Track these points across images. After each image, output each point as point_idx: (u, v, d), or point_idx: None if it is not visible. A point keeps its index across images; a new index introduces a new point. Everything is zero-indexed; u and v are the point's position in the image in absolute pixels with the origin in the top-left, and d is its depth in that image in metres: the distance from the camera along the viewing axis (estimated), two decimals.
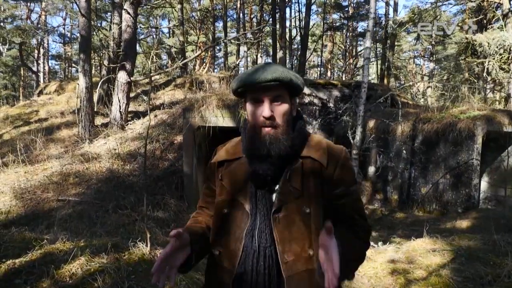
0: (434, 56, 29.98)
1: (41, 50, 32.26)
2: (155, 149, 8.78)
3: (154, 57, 26.09)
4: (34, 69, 29.90)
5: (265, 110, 1.54)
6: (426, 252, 4.22)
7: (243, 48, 21.12)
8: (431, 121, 9.61)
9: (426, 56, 33.15)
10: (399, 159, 10.20)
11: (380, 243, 4.54)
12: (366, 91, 6.55)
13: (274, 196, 1.56)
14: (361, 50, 33.95)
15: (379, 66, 22.53)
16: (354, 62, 32.19)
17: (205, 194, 1.83)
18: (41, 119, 12.28)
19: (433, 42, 25.89)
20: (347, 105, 7.71)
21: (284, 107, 1.58)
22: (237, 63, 21.33)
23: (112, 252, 3.91)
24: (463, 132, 8.60)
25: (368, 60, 6.66)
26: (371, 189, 10.84)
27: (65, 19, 33.91)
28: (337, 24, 32.17)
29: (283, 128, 1.57)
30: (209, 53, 23.95)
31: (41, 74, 31.13)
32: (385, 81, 18.95)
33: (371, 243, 4.93)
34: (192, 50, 26.92)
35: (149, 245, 4.22)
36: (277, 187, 1.57)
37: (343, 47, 33.82)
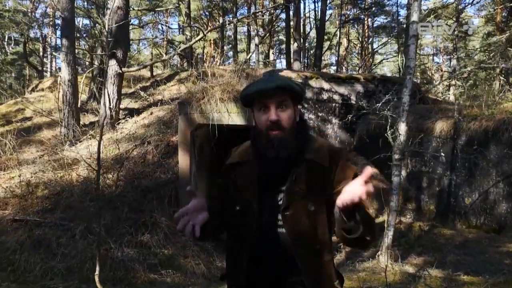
0: (456, 52, 28.46)
1: (48, 49, 31.37)
2: (146, 153, 7.18)
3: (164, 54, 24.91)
4: (40, 67, 28.84)
5: (271, 114, 1.69)
6: None
7: (254, 42, 19.65)
8: (478, 119, 8.17)
9: (447, 53, 31.61)
10: (437, 163, 8.82)
11: None
12: (411, 78, 5.06)
13: (280, 196, 1.72)
14: (376, 48, 32.64)
15: (399, 61, 21.06)
16: (370, 60, 30.92)
17: (215, 187, 1.99)
18: (25, 118, 10.89)
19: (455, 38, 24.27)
20: (388, 96, 6.22)
21: (288, 112, 1.74)
22: (248, 57, 19.86)
23: None
24: None
25: (415, 38, 5.17)
26: (401, 197, 9.47)
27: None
28: (353, 19, 30.77)
29: (289, 130, 1.72)
30: (219, 49, 22.70)
31: (48, 74, 30.12)
32: None
33: None
34: (203, 48, 25.60)
35: None
36: (283, 188, 1.72)
37: (359, 44, 32.54)
